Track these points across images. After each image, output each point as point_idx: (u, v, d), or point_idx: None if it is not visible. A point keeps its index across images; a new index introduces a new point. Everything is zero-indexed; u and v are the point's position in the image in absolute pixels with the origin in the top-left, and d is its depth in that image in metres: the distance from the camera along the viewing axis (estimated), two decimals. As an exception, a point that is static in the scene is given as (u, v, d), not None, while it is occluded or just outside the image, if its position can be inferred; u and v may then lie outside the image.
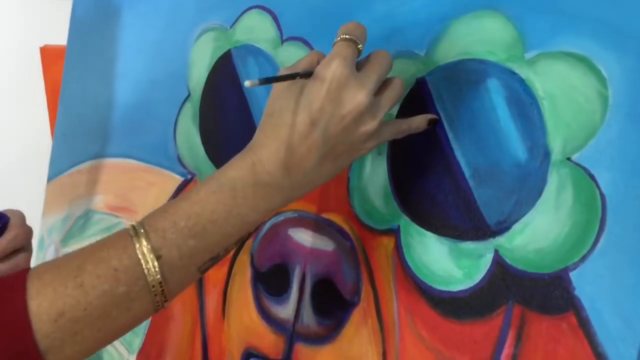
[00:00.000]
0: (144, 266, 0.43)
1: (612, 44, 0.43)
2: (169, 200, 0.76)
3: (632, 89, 0.42)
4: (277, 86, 0.48)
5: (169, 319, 0.74)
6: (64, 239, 0.89)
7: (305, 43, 0.62)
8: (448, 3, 0.52)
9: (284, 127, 0.45)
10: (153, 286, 0.43)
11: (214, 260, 0.47)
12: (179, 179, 0.76)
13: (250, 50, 0.68)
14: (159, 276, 0.43)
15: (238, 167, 0.46)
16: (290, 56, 0.64)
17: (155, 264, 0.43)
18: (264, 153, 0.46)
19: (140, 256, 0.43)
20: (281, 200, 0.47)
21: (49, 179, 0.94)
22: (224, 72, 0.71)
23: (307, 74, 0.45)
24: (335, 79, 0.44)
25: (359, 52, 0.47)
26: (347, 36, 0.46)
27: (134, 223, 0.45)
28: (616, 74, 0.43)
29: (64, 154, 0.92)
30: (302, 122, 0.44)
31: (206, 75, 0.73)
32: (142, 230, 0.44)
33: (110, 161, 0.86)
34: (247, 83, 0.41)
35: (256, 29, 0.67)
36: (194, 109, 0.74)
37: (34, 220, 0.69)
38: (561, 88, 0.45)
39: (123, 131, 0.84)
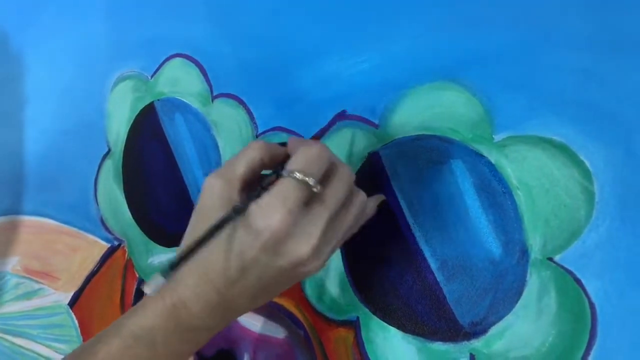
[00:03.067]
0: None
1: (598, 132, 0.37)
2: (94, 267, 0.67)
3: (622, 186, 0.36)
4: (201, 201, 0.39)
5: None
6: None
7: (240, 102, 0.54)
8: (401, 69, 0.45)
9: (211, 269, 0.37)
10: None
11: None
12: (105, 245, 0.67)
13: (177, 105, 0.59)
14: None
15: (155, 314, 0.38)
16: (224, 115, 0.56)
17: None
18: (187, 293, 0.38)
19: None
20: (206, 338, 0.40)
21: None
22: (148, 127, 0.62)
23: (240, 211, 0.36)
24: (274, 233, 0.35)
25: (314, 194, 0.37)
26: (300, 176, 0.36)
27: None
28: (603, 168, 0.37)
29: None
30: (233, 268, 0.37)
31: (127, 129, 0.64)
32: None
33: (23, 219, 0.76)
34: (147, 289, 0.33)
35: (182, 82, 0.59)
36: (116, 166, 0.65)
37: None
38: (537, 178, 0.39)
39: (36, 186, 0.74)
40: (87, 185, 0.68)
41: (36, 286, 0.76)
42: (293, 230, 0.35)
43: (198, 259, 0.37)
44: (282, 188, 0.36)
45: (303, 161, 0.37)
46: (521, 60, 0.40)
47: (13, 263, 0.78)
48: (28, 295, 0.77)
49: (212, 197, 0.38)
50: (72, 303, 0.71)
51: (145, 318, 0.38)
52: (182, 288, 0.38)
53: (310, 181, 0.36)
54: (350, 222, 0.39)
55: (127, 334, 0.38)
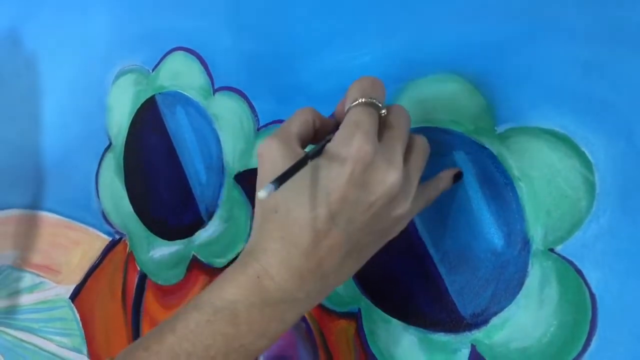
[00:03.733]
0: None
1: (598, 123, 0.37)
2: (95, 261, 0.67)
3: (623, 177, 0.37)
4: (262, 165, 0.37)
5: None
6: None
7: (241, 95, 0.55)
8: (402, 62, 0.45)
9: (295, 226, 0.34)
10: None
11: None
12: (107, 239, 0.67)
13: (178, 98, 0.59)
14: None
15: (238, 285, 0.36)
16: (225, 109, 0.56)
17: None
18: (272, 261, 0.35)
19: None
20: (294, 316, 0.37)
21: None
22: (149, 121, 0.62)
23: (318, 152, 0.35)
24: (359, 159, 0.33)
25: (381, 119, 0.36)
26: (365, 99, 0.36)
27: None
28: (604, 159, 0.37)
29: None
30: (319, 217, 0.34)
31: (128, 123, 0.64)
32: None
33: (24, 213, 0.76)
34: (261, 194, 0.29)
35: (183, 75, 0.59)
36: (117, 160, 0.65)
37: None
38: (539, 169, 0.39)
39: (37, 180, 0.74)
40: (88, 178, 0.68)
41: (37, 280, 0.76)
42: (375, 159, 0.34)
43: (280, 222, 0.35)
44: (352, 116, 0.35)
45: (361, 89, 0.36)
46: (522, 53, 0.40)
47: (14, 256, 0.78)
48: (29, 288, 0.77)
49: (273, 157, 0.36)
50: (74, 297, 0.71)
51: (228, 288, 0.36)
52: (265, 257, 0.36)
53: (375, 100, 0.35)
54: (422, 157, 0.38)
55: (207, 307, 0.35)
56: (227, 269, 0.38)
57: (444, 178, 0.42)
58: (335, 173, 0.34)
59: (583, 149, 0.38)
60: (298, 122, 0.38)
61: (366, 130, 0.34)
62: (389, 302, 0.47)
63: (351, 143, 0.34)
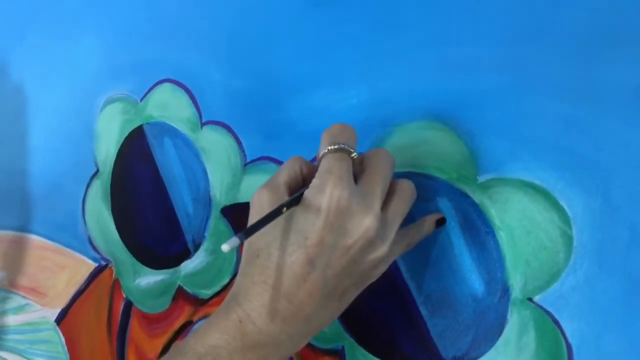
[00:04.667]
0: None
1: (577, 179, 0.38)
2: (81, 286, 0.67)
3: (600, 232, 0.38)
4: (252, 214, 0.39)
5: None
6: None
7: (228, 130, 0.55)
8: (389, 107, 0.46)
9: (275, 269, 0.36)
10: None
11: None
12: (92, 265, 0.68)
13: (166, 129, 0.60)
14: None
15: (221, 330, 0.36)
16: (212, 142, 0.56)
17: None
18: (253, 306, 0.36)
19: None
20: (280, 358, 0.38)
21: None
22: (137, 150, 0.62)
23: (295, 202, 0.36)
24: (332, 206, 0.35)
25: (353, 162, 0.38)
26: (335, 146, 0.37)
27: None
28: (581, 213, 0.38)
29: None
30: (297, 262, 0.35)
31: (116, 150, 0.64)
32: None
33: (13, 235, 0.76)
34: (224, 247, 0.31)
35: (171, 106, 0.59)
36: (104, 187, 0.66)
37: None
38: (519, 220, 0.40)
39: (25, 203, 0.74)
40: (75, 204, 0.69)
41: (23, 301, 0.76)
42: (350, 203, 0.35)
43: (260, 266, 0.37)
44: (324, 164, 0.37)
45: (330, 136, 0.38)
46: (505, 106, 0.41)
47: (1, 277, 0.78)
48: (15, 310, 0.77)
49: (261, 206, 0.38)
50: (59, 320, 0.71)
51: (210, 336, 0.36)
52: (247, 301, 0.37)
53: (344, 145, 0.37)
54: (404, 201, 0.39)
55: (190, 353, 0.36)
56: (212, 314, 0.39)
57: (427, 223, 0.43)
58: (311, 219, 0.35)
59: (562, 203, 0.39)
60: (286, 171, 0.40)
61: (339, 175, 0.36)
62: (372, 342, 0.47)
63: (324, 190, 0.35)
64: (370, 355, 0.47)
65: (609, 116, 0.38)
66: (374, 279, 0.40)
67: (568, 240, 0.39)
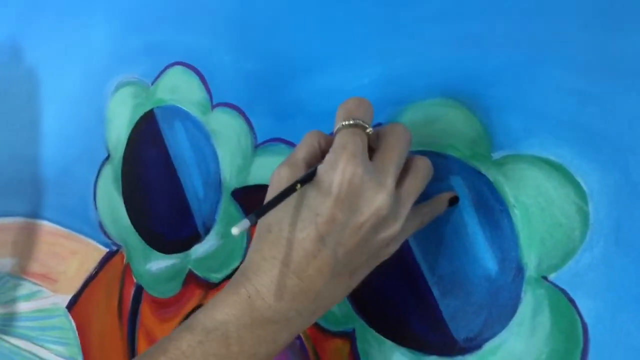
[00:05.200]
0: None
1: (594, 154, 0.37)
2: (92, 271, 0.67)
3: (617, 208, 0.37)
4: (270, 192, 0.38)
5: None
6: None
7: (239, 111, 0.55)
8: (401, 85, 0.45)
9: (286, 245, 0.35)
10: None
11: None
12: (103, 250, 0.68)
13: (176, 112, 0.60)
14: None
15: (229, 305, 0.36)
16: (223, 125, 0.56)
17: None
18: (262, 281, 0.36)
19: None
20: (287, 337, 0.37)
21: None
22: (147, 134, 0.62)
23: (309, 178, 0.36)
24: (345, 183, 0.34)
25: (369, 137, 0.37)
26: (351, 121, 0.36)
27: None
28: (598, 189, 0.37)
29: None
30: (308, 238, 0.35)
31: (126, 135, 0.64)
32: None
33: (24, 221, 0.77)
34: (235, 231, 0.31)
35: (182, 89, 0.59)
36: (115, 172, 0.66)
37: None
38: (534, 197, 0.40)
39: (37, 189, 0.75)
40: (86, 189, 0.69)
41: (35, 288, 0.76)
42: (363, 180, 0.34)
43: (271, 242, 0.36)
44: (338, 139, 0.36)
45: (346, 111, 0.37)
46: (520, 81, 0.40)
47: (12, 264, 0.78)
48: (27, 296, 0.77)
49: (280, 183, 0.37)
50: (70, 306, 0.71)
51: (220, 308, 0.36)
52: (257, 277, 0.36)
53: (360, 122, 0.36)
54: (419, 179, 0.38)
55: (199, 327, 0.36)
56: (222, 289, 0.38)
57: (440, 202, 0.42)
58: (323, 196, 0.35)
59: (578, 178, 0.38)
60: (304, 146, 0.39)
61: (352, 152, 0.35)
62: (383, 323, 0.47)
63: (337, 166, 0.35)
64: (381, 337, 0.47)
65: (628, 91, 0.37)
66: (385, 258, 0.40)
67: (584, 216, 0.38)
